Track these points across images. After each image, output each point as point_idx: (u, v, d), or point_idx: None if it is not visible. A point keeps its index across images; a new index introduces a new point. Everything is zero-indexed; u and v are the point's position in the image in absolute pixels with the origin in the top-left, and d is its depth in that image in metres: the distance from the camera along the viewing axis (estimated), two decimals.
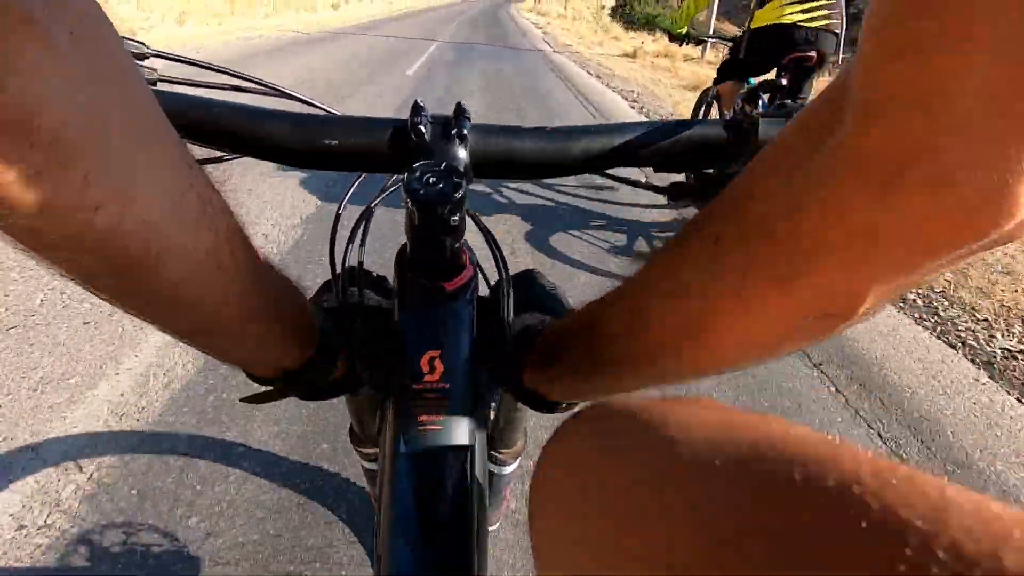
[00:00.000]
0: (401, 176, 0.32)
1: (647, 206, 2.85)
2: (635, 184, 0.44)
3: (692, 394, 0.21)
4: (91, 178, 0.16)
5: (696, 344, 0.23)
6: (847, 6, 2.33)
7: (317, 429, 1.32)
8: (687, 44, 3.22)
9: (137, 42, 0.39)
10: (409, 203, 0.31)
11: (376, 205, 0.38)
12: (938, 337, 1.93)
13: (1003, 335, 1.92)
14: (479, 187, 2.97)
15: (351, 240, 0.37)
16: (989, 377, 1.73)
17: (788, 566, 0.11)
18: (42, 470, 1.16)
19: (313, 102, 0.44)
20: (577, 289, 2.02)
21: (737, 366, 0.24)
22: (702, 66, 8.86)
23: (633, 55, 9.91)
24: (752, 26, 2.46)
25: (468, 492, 0.32)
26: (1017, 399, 1.64)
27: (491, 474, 0.71)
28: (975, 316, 2.05)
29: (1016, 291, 2.20)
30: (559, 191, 2.99)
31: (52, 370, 1.44)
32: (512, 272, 0.40)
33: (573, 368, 0.32)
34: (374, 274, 0.42)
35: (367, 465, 0.72)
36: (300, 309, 0.31)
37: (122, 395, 1.38)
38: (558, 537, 0.19)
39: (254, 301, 0.26)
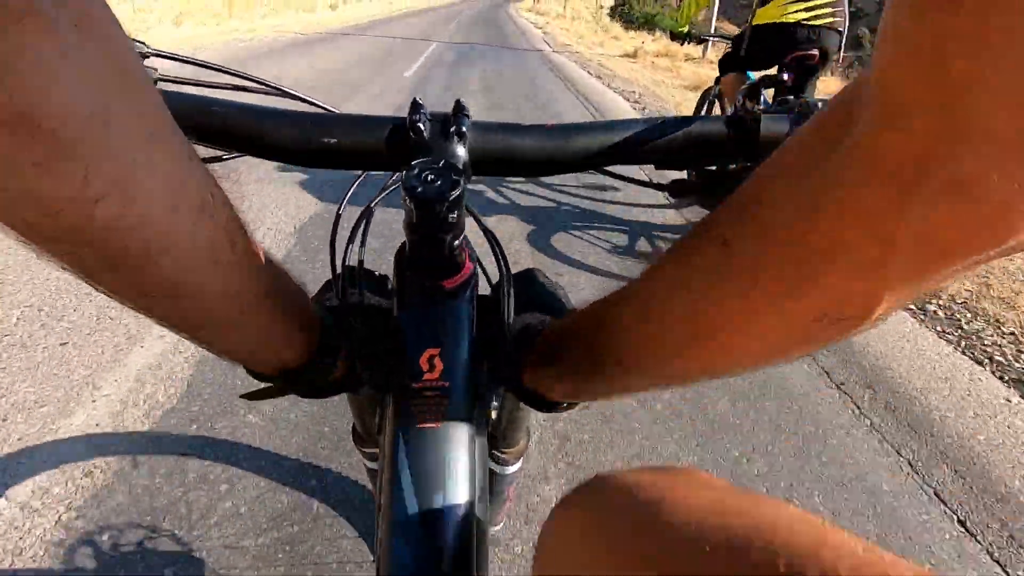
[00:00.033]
0: (399, 175, 0.32)
1: (648, 206, 2.82)
2: (636, 182, 0.43)
3: (690, 468, 0.24)
4: (91, 171, 0.16)
5: (704, 346, 0.23)
6: (848, 3, 2.30)
7: (317, 463, 1.23)
8: (689, 43, 3.20)
9: (138, 41, 0.37)
10: (407, 200, 0.30)
11: (376, 205, 0.37)
12: (963, 352, 1.84)
13: None
14: (480, 188, 2.94)
15: (351, 240, 0.36)
16: (1021, 396, 1.64)
17: None
18: (5, 512, 1.06)
19: (314, 100, 0.43)
20: (579, 290, 1.92)
21: (746, 369, 0.24)
22: (703, 66, 8.77)
23: (634, 55, 9.82)
24: (754, 23, 2.42)
25: (468, 491, 0.32)
26: None
27: (493, 474, 0.71)
28: (1000, 329, 1.95)
29: None
30: (560, 191, 2.95)
31: (25, 397, 1.34)
32: (514, 271, 0.40)
33: (576, 368, 0.31)
34: (376, 273, 0.42)
35: (370, 464, 0.70)
36: (302, 306, 0.31)
37: (97, 425, 1.28)
38: None
39: (254, 296, 0.25)
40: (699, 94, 3.27)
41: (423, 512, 0.31)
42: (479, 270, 0.40)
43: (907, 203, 0.15)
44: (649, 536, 0.18)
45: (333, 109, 0.41)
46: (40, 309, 1.66)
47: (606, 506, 0.21)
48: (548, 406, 0.36)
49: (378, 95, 5.15)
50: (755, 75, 2.53)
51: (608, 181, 3.06)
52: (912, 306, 2.09)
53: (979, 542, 1.17)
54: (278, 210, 2.50)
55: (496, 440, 0.65)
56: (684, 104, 5.57)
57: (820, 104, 0.39)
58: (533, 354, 0.35)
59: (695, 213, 2.87)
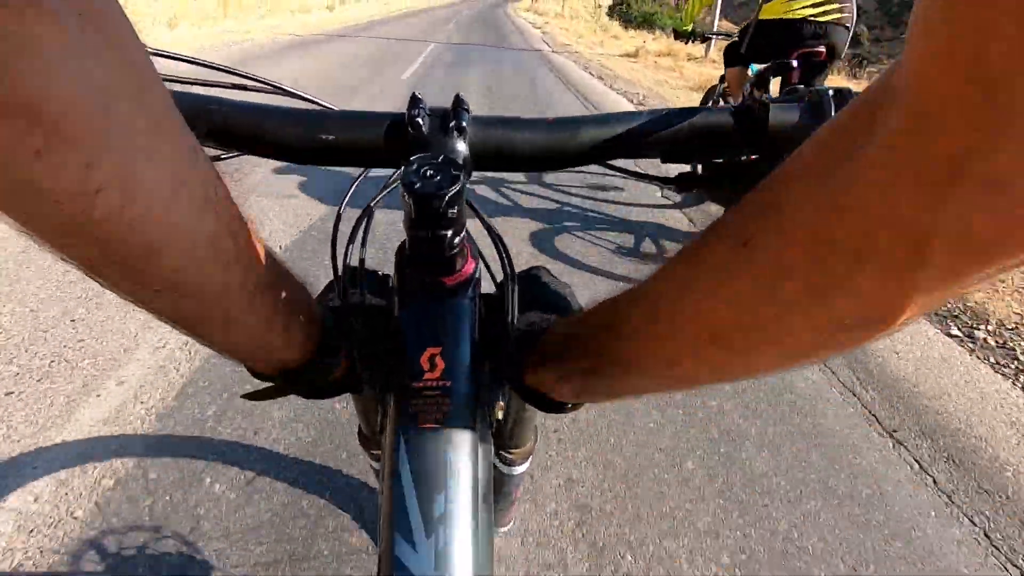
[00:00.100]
0: (400, 172, 0.32)
1: (652, 206, 2.78)
2: (641, 176, 0.43)
3: None
4: (93, 162, 0.16)
5: (717, 349, 0.23)
6: None
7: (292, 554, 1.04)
8: (693, 42, 3.18)
9: None
10: (406, 196, 0.30)
11: (377, 204, 0.37)
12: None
13: None
14: (481, 188, 2.84)
15: (352, 240, 0.36)
16: None
17: None
18: None
19: (313, 98, 0.43)
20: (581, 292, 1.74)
21: (760, 374, 0.23)
22: (706, 65, 8.60)
23: (635, 55, 9.63)
24: (759, 18, 2.35)
25: (470, 492, 0.31)
26: None
27: (500, 474, 0.70)
28: None
29: None
30: (563, 191, 2.90)
31: None
32: (521, 270, 0.40)
33: (583, 368, 0.30)
34: (380, 272, 0.41)
35: (376, 466, 0.68)
36: (304, 305, 0.31)
37: (36, 499, 1.09)
38: None
39: (256, 293, 0.25)
40: (704, 95, 3.20)
41: (424, 514, 0.30)
42: (483, 268, 0.39)
43: (941, 203, 0.14)
44: None
45: (332, 106, 0.40)
46: None
47: None
48: (553, 407, 0.35)
49: (375, 98, 4.99)
50: (758, 67, 2.46)
51: (612, 180, 2.99)
52: (958, 332, 1.90)
53: None
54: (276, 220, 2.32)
55: (503, 440, 0.63)
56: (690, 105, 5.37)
57: (831, 92, 0.36)
58: (537, 353, 0.34)
59: (698, 213, 2.92)
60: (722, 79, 2.76)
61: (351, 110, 0.37)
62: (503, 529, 1.02)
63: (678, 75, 7.73)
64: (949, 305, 2.06)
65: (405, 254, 0.36)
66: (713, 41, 7.98)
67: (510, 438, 0.63)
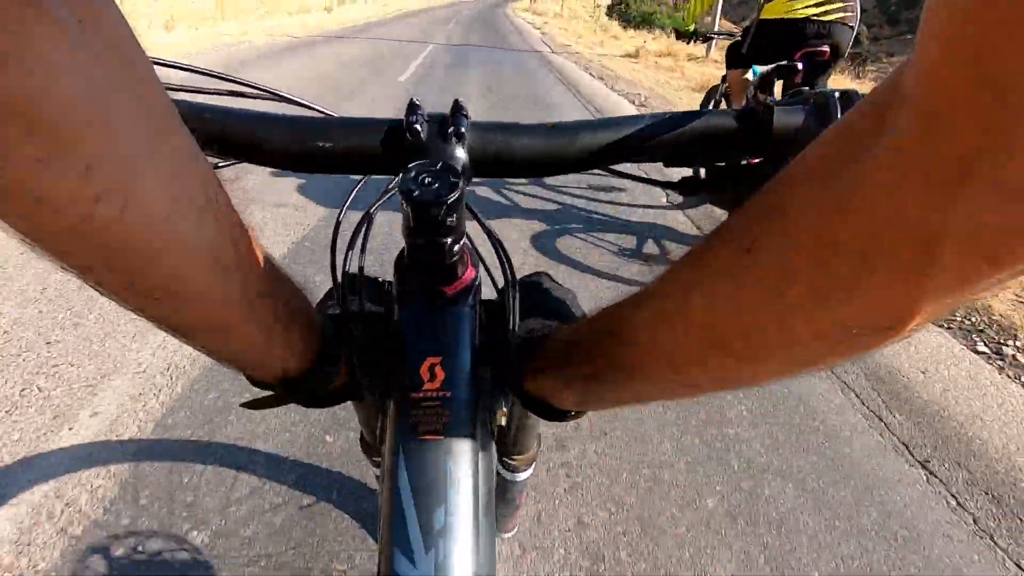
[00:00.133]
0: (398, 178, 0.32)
1: (654, 207, 2.75)
2: (644, 180, 0.42)
3: None
4: (92, 168, 0.16)
5: (722, 355, 0.22)
6: None
7: None
8: (694, 42, 3.04)
9: None
10: (404, 204, 0.30)
11: (376, 210, 0.37)
12: None
13: None
14: (482, 190, 2.79)
15: (351, 247, 0.36)
16: None
17: None
18: None
19: (311, 104, 0.42)
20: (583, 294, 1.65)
21: (766, 381, 0.23)
22: (707, 65, 8.51)
23: (635, 55, 9.53)
24: (761, 17, 2.31)
25: (471, 504, 0.31)
26: None
27: (504, 480, 0.69)
28: None
29: None
30: (564, 192, 2.87)
31: None
32: (524, 275, 0.40)
33: (585, 374, 0.30)
34: (379, 279, 0.41)
35: (378, 472, 0.68)
36: (304, 313, 0.30)
37: None
38: None
39: (256, 301, 0.25)
40: (705, 95, 3.17)
41: (424, 527, 0.29)
42: (485, 274, 0.39)
43: (950, 205, 0.14)
44: None
45: (332, 113, 0.40)
46: None
47: None
48: (555, 414, 0.35)
49: (371, 101, 4.90)
50: (761, 69, 2.40)
51: (613, 181, 2.97)
52: (985, 349, 1.80)
53: None
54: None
55: (506, 447, 0.63)
56: (693, 107, 5.29)
57: (837, 94, 0.34)
58: (538, 360, 0.34)
59: (700, 214, 2.85)
60: (724, 79, 2.71)
61: (349, 117, 0.36)
62: (507, 535, 1.01)
63: (679, 75, 7.63)
64: (973, 319, 1.96)
65: (404, 262, 0.36)
66: (715, 41, 7.90)
67: (513, 444, 0.63)
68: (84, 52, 0.15)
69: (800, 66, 2.12)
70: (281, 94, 0.43)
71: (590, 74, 7.32)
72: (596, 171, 0.37)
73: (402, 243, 0.35)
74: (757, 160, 0.38)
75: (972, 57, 0.12)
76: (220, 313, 0.23)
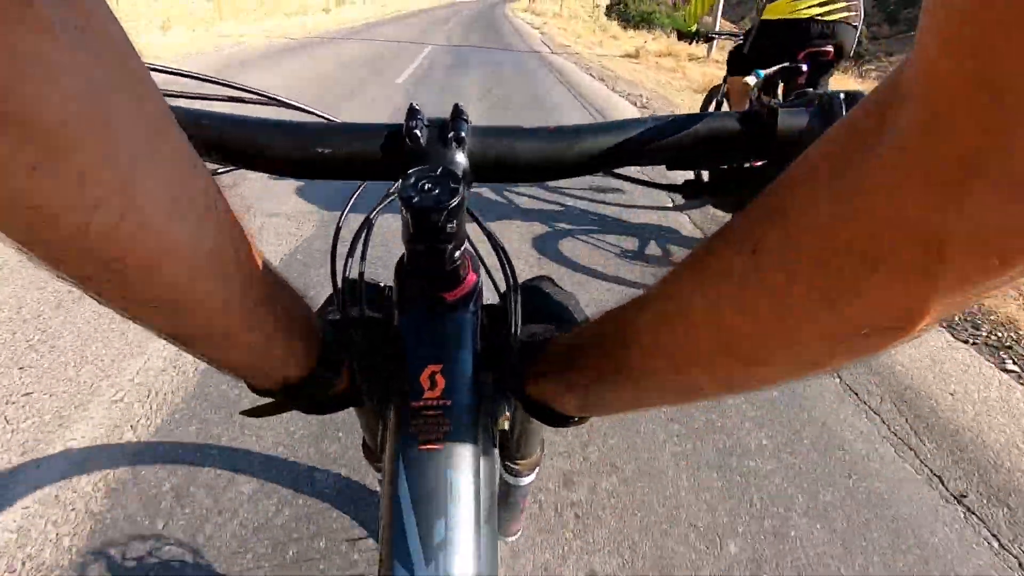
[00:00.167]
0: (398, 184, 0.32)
1: (657, 208, 2.72)
2: (646, 183, 0.42)
3: None
4: (90, 175, 0.15)
5: (729, 358, 0.22)
6: None
7: None
8: (696, 42, 3.15)
9: None
10: (404, 211, 0.30)
11: (376, 216, 0.36)
12: None
13: None
14: (483, 191, 2.72)
15: (351, 253, 0.35)
16: None
17: None
18: None
19: (311, 109, 0.42)
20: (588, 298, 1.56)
21: (772, 384, 0.23)
22: (709, 65, 8.42)
23: (636, 55, 9.43)
24: (763, 18, 2.28)
25: (472, 515, 0.30)
26: None
27: (507, 485, 0.70)
28: None
29: None
30: (566, 193, 2.83)
31: None
32: (526, 279, 0.40)
33: (588, 380, 0.30)
34: (380, 285, 0.41)
35: (381, 478, 0.66)
36: (304, 319, 0.30)
37: None
38: None
39: (256, 308, 0.25)
40: (706, 95, 3.15)
41: (424, 539, 0.29)
42: (486, 279, 0.39)
43: (954, 204, 0.14)
44: None
45: (333, 118, 0.40)
46: None
47: None
48: (558, 420, 0.34)
49: (367, 104, 4.80)
50: (764, 72, 2.39)
51: (615, 183, 2.93)
52: (1015, 367, 1.71)
53: None
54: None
55: (509, 451, 0.62)
56: (696, 108, 5.20)
57: (842, 95, 0.34)
58: (540, 365, 0.34)
59: (703, 215, 2.75)
60: (726, 79, 2.69)
61: (348, 122, 0.36)
62: (511, 539, 1.01)
63: (681, 76, 7.54)
64: (999, 334, 1.87)
65: (405, 268, 0.36)
66: (716, 41, 7.81)
67: (516, 449, 0.62)
68: (80, 58, 0.15)
69: (804, 67, 2.11)
70: (280, 99, 0.42)
71: (590, 75, 7.23)
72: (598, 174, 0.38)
73: (402, 248, 0.34)
74: (760, 163, 0.37)
75: (970, 57, 0.12)
76: (220, 320, 0.23)
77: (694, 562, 1.07)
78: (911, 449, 1.37)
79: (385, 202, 0.37)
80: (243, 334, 0.25)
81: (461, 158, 0.34)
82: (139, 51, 0.18)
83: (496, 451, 0.37)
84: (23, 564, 0.98)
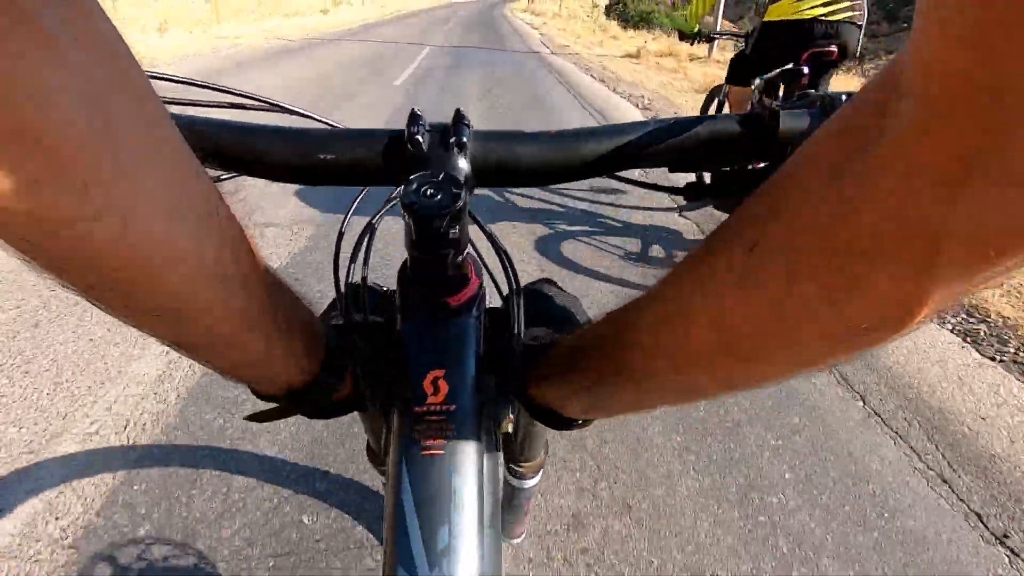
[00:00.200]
0: (399, 189, 0.32)
1: (661, 209, 2.69)
2: (648, 186, 0.42)
3: None
4: (92, 187, 0.15)
5: (731, 357, 0.22)
6: None
7: None
8: (697, 43, 3.07)
9: None
10: (406, 217, 0.30)
11: (378, 220, 0.37)
12: None
13: None
14: (485, 192, 2.66)
15: (354, 257, 0.36)
16: None
17: None
18: None
19: (313, 115, 0.43)
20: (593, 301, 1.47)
21: (775, 381, 0.23)
22: (710, 65, 8.33)
23: (636, 56, 9.33)
24: (765, 19, 2.25)
25: (475, 521, 0.30)
26: None
27: (512, 488, 0.70)
28: None
29: None
30: (568, 195, 2.81)
31: None
32: (528, 282, 0.40)
33: (591, 382, 0.30)
34: (385, 289, 0.41)
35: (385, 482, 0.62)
36: (307, 325, 0.30)
37: None
38: None
39: (260, 315, 0.25)
40: (707, 96, 3.15)
41: (428, 544, 0.29)
42: (489, 282, 0.39)
43: (953, 200, 0.14)
44: None
45: (335, 124, 0.40)
46: None
47: None
48: (562, 423, 0.34)
49: (364, 106, 4.71)
50: (766, 76, 2.38)
51: (618, 184, 2.94)
52: None
53: None
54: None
55: (513, 454, 0.62)
56: (700, 109, 5.11)
57: (844, 97, 0.34)
58: (542, 368, 0.34)
59: (706, 216, 2.61)
60: (727, 79, 2.69)
61: (349, 128, 0.36)
62: (515, 541, 1.00)
63: (682, 76, 7.44)
64: None
65: (408, 273, 0.35)
66: (717, 41, 7.73)
67: (520, 452, 0.62)
68: (80, 70, 0.15)
69: (806, 70, 2.10)
70: (282, 105, 0.42)
71: (591, 76, 7.13)
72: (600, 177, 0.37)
73: (399, 251, 0.34)
74: (762, 164, 0.37)
75: (969, 55, 0.12)
76: (223, 327, 0.23)
77: None
78: (945, 482, 1.28)
79: (387, 207, 0.37)
80: (247, 341, 0.25)
81: (463, 163, 0.33)
82: (137, 57, 0.18)
83: (499, 454, 0.37)
84: None
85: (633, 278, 2.06)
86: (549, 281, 0.43)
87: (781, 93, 2.18)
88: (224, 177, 0.37)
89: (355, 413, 0.40)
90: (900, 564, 1.08)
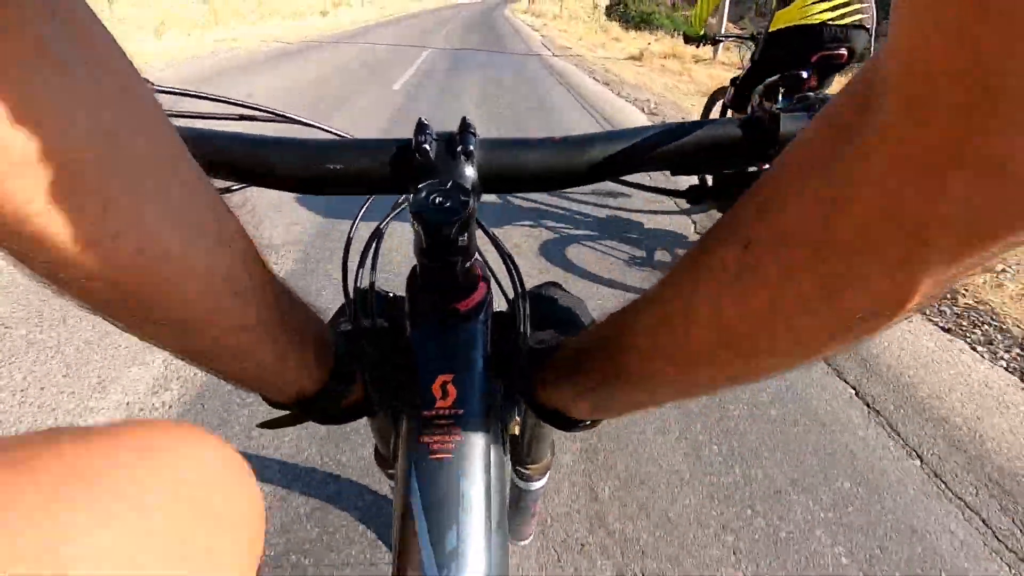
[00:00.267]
0: (408, 196, 0.32)
1: (663, 212, 2.69)
2: (652, 189, 0.44)
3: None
4: (109, 209, 0.16)
5: (733, 353, 0.23)
6: None
7: None
8: (703, 45, 3.06)
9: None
10: (416, 225, 0.30)
11: (385, 226, 0.38)
12: None
13: None
14: (488, 198, 2.58)
15: (362, 263, 0.36)
16: None
17: None
18: None
19: (320, 125, 0.44)
20: (596, 304, 1.32)
21: (775, 373, 0.23)
22: (715, 67, 8.17)
23: (639, 58, 9.16)
24: (773, 28, 2.28)
25: (483, 524, 0.31)
26: None
27: (519, 490, 0.70)
28: None
29: None
30: (572, 199, 2.79)
31: None
32: (533, 286, 0.41)
33: (597, 383, 0.30)
34: (391, 295, 0.42)
35: (393, 485, 0.64)
36: (317, 333, 0.31)
37: None
38: None
39: (272, 326, 0.25)
40: (708, 98, 3.15)
41: (436, 547, 0.29)
42: (495, 286, 0.40)
43: (941, 189, 0.14)
44: None
45: (343, 133, 0.41)
46: None
47: None
48: (569, 424, 0.35)
49: (362, 112, 4.53)
50: (767, 80, 2.37)
51: (623, 189, 2.75)
52: None
53: None
54: None
55: (519, 456, 0.62)
56: (701, 114, 4.94)
57: None
58: (548, 371, 0.34)
59: (716, 220, 2.44)
60: (732, 82, 2.68)
61: (357, 138, 0.37)
62: (523, 543, 1.01)
63: (688, 79, 7.27)
64: None
65: (417, 280, 0.36)
66: (722, 44, 7.58)
67: (527, 454, 0.62)
68: (93, 95, 0.15)
69: (805, 74, 2.11)
70: (290, 116, 0.43)
71: (594, 79, 6.96)
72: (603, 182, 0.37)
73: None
74: (765, 166, 0.36)
75: (945, 47, 0.12)
76: (237, 339, 0.24)
77: None
78: (983, 523, 1.09)
79: (394, 213, 0.39)
80: (258, 351, 0.25)
81: (470, 171, 0.34)
82: (135, 61, 0.18)
83: (507, 457, 0.39)
84: None
85: (637, 283, 2.01)
86: (554, 284, 0.44)
87: (781, 96, 2.17)
88: (235, 188, 0.38)
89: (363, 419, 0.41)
90: None
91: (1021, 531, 1.17)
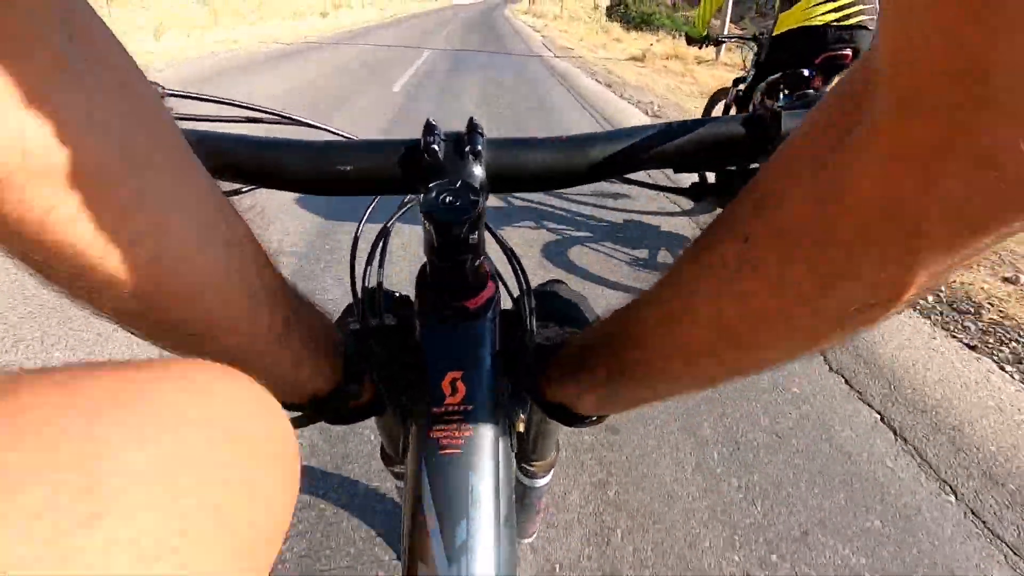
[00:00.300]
0: (416, 196, 0.33)
1: (665, 214, 2.69)
2: (655, 187, 0.44)
3: None
4: (126, 217, 0.16)
5: (732, 346, 0.23)
6: None
7: None
8: (705, 47, 3.08)
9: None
10: (426, 224, 0.31)
11: (392, 225, 0.38)
12: None
13: None
14: (490, 200, 2.42)
15: (369, 262, 0.37)
16: None
17: None
18: None
19: (328, 127, 0.44)
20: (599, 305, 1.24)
21: (776, 365, 0.24)
22: (718, 68, 8.09)
23: (641, 58, 9.09)
24: (776, 31, 2.28)
25: (492, 518, 0.31)
26: None
27: (524, 487, 0.71)
28: None
29: None
30: (573, 201, 2.78)
31: None
32: (538, 283, 0.42)
33: (602, 379, 0.31)
34: (398, 294, 0.42)
35: (399, 484, 0.67)
36: (327, 334, 0.32)
37: None
38: None
39: (284, 328, 0.26)
40: (709, 98, 3.14)
41: (447, 541, 0.30)
42: (500, 285, 0.40)
43: (933, 182, 0.15)
44: None
45: (350, 135, 0.41)
46: None
47: None
48: (576, 420, 0.35)
49: (361, 114, 4.45)
50: (769, 79, 2.34)
51: (625, 189, 2.88)
52: None
53: None
54: None
55: (525, 453, 0.63)
56: (702, 113, 4.86)
57: None
58: (554, 367, 0.35)
59: (716, 216, 2.39)
60: (734, 83, 2.70)
61: (365, 139, 0.37)
62: (527, 540, 1.01)
63: (691, 80, 7.19)
64: None
65: (427, 278, 0.36)
66: (725, 44, 7.50)
67: (532, 451, 0.63)
68: (106, 108, 0.15)
69: (806, 72, 2.09)
70: (297, 119, 0.43)
71: (596, 80, 6.87)
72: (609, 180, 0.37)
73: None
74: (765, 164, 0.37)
75: (939, 34, 0.12)
76: (250, 343, 0.24)
77: None
78: (983, 521, 1.00)
79: (400, 212, 0.40)
80: (271, 354, 0.25)
81: (478, 170, 0.34)
82: (137, 62, 0.18)
83: (513, 453, 0.38)
84: None
85: (640, 285, 1.90)
86: (558, 281, 0.44)
87: (782, 95, 2.13)
88: (246, 189, 0.38)
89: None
90: None
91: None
